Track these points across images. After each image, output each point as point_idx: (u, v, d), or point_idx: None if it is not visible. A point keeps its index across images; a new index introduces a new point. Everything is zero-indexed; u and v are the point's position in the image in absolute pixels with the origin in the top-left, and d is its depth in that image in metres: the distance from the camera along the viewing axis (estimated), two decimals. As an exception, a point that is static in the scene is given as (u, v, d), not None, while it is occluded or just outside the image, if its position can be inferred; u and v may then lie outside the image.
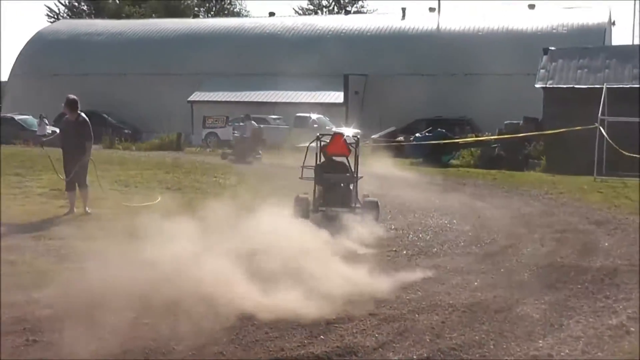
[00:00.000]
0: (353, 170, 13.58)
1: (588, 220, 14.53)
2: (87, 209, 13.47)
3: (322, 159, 13.74)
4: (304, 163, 13.77)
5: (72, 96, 14.01)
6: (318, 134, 14.30)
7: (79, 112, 13.89)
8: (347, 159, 13.60)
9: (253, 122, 33.44)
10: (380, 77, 44.81)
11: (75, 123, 13.79)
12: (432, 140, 29.81)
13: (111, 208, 13.80)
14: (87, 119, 13.92)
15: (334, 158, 13.61)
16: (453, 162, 29.54)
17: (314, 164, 13.68)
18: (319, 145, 13.80)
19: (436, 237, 12.38)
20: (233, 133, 36.17)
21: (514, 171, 25.99)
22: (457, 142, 29.96)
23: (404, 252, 11.04)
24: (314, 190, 13.45)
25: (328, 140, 13.78)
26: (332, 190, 13.36)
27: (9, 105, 51.73)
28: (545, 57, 30.04)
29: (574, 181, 22.12)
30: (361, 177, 13.92)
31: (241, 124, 33.99)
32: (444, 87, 42.85)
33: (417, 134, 32.68)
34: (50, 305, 7.58)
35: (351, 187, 13.48)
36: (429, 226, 13.60)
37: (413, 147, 31.24)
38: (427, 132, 32.14)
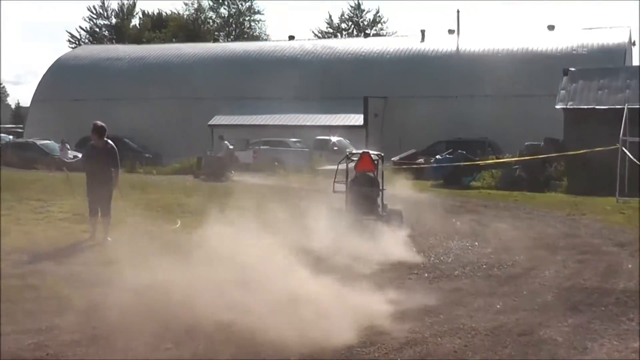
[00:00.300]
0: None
1: (611, 242, 14.41)
2: (108, 237, 13.32)
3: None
4: (335, 179, 15.85)
5: (100, 123, 13.92)
6: (348, 153, 16.60)
7: (105, 139, 13.85)
8: (373, 174, 15.57)
9: (227, 142, 34.88)
10: (400, 99, 44.79)
11: (102, 150, 13.71)
12: (453, 162, 29.72)
13: (131, 233, 13.78)
14: (114, 146, 13.93)
15: (363, 173, 15.49)
16: (474, 183, 29.41)
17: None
18: (347, 163, 15.97)
19: (457, 260, 12.32)
20: (207, 153, 36.96)
21: (535, 192, 25.83)
22: (478, 164, 29.85)
23: (425, 275, 10.99)
24: (346, 202, 15.23)
25: (356, 159, 15.79)
26: (362, 200, 15.05)
27: (31, 131, 52.17)
28: (565, 78, 29.94)
29: (596, 202, 21.96)
30: (385, 189, 15.70)
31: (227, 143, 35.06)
32: (464, 108, 42.75)
33: (438, 156, 32.55)
34: (72, 330, 7.60)
35: (377, 199, 15.36)
36: (450, 248, 13.55)
37: (433, 169, 31.14)
38: (448, 153, 32.02)
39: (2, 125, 69.97)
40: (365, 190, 15.29)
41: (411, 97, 44.75)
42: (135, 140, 45.82)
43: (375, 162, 15.79)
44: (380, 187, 15.60)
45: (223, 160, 33.08)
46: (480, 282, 10.48)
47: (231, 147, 34.78)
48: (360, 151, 16.32)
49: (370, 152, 16.10)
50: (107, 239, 13.22)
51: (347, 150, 23.47)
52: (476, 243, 14.19)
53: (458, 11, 51.97)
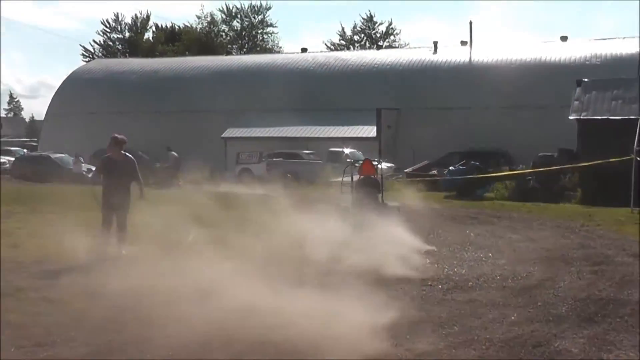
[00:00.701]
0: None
1: (626, 253, 14.33)
2: (123, 251, 13.27)
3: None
4: (342, 181, 19.73)
5: (120, 135, 13.97)
6: (352, 161, 20.51)
7: (124, 152, 13.87)
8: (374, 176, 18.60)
9: (173, 152, 37.70)
10: (413, 110, 44.84)
11: (122, 162, 13.72)
12: (466, 174, 29.68)
13: (145, 246, 13.76)
14: (133, 158, 13.96)
15: (366, 176, 18.38)
16: (487, 194, 29.33)
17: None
18: (352, 168, 19.67)
19: (471, 271, 12.29)
20: (156, 165, 38.29)
21: (549, 203, 25.74)
22: (491, 176, 29.77)
23: (439, 286, 10.97)
24: (352, 199, 17.91)
25: (360, 164, 19.16)
26: (366, 197, 17.57)
27: (45, 144, 52.45)
28: (578, 89, 29.87)
29: (610, 213, 21.85)
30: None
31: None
32: (477, 120, 42.73)
33: (451, 167, 32.55)
34: (87, 343, 7.63)
35: (378, 195, 18.20)
36: (464, 260, 13.52)
37: (447, 181, 31.11)
38: (461, 165, 31.98)
39: (16, 139, 70.42)
40: (368, 190, 17.92)
41: (424, 108, 44.81)
42: (149, 154, 45.91)
43: (375, 167, 19.07)
44: (381, 188, 18.48)
45: (170, 170, 35.94)
46: (495, 294, 10.44)
47: (177, 156, 37.45)
48: (363, 158, 20.17)
49: (381, 160, 18.39)
50: (122, 252, 13.18)
51: (348, 159, 25.49)
52: (490, 254, 14.15)
53: (470, 22, 52.39)
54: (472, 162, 31.37)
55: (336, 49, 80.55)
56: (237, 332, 7.73)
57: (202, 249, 11.62)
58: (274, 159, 39.64)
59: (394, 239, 14.15)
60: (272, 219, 15.25)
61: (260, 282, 9.37)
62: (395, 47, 77.83)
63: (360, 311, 8.44)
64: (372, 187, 18.21)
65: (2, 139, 72.57)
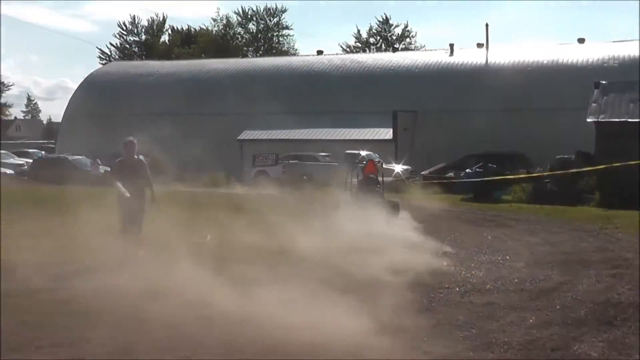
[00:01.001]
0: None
1: (645, 256, 14.22)
2: (139, 251, 13.29)
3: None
4: (349, 180, 21.65)
5: (130, 137, 14.03)
6: (356, 162, 22.79)
7: (136, 155, 13.90)
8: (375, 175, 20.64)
9: (98, 160, 38.94)
10: (430, 113, 44.66)
11: (133, 165, 13.76)
12: (483, 176, 29.57)
13: (162, 248, 13.78)
14: (144, 161, 13.99)
15: (369, 175, 20.35)
16: (504, 197, 29.21)
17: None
18: (356, 168, 21.63)
19: (489, 274, 12.23)
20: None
21: (567, 206, 25.61)
22: (508, 178, 29.63)
23: (457, 289, 10.92)
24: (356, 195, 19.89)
25: (364, 164, 21.18)
26: (368, 194, 19.51)
27: (63, 146, 52.68)
28: (596, 91, 29.72)
29: (628, 216, 21.68)
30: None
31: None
32: (493, 122, 42.47)
33: (468, 170, 32.44)
34: (104, 344, 7.64)
35: (378, 192, 20.14)
36: (482, 262, 13.46)
37: (463, 183, 31.01)
38: (478, 167, 31.87)
39: (34, 141, 70.79)
40: (371, 187, 19.98)
41: (440, 110, 44.66)
42: (165, 155, 45.96)
43: (377, 166, 21.20)
44: (382, 185, 20.77)
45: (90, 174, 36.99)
46: (513, 296, 10.38)
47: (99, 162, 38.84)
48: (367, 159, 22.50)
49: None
50: (138, 253, 13.20)
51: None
52: (508, 257, 14.08)
53: (487, 25, 51.99)
54: (489, 164, 31.26)
55: (352, 52, 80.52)
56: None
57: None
58: (290, 161, 39.58)
59: (410, 242, 14.22)
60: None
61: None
62: (412, 50, 77.75)
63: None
64: (374, 184, 20.26)
65: (20, 141, 73.04)
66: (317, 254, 12.60)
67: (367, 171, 20.55)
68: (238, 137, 47.25)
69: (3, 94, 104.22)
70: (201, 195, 27.91)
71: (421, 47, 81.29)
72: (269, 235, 14.52)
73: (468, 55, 49.07)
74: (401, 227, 17.44)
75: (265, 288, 9.48)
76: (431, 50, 57.37)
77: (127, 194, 13.40)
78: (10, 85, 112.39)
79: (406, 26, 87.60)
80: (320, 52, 59.49)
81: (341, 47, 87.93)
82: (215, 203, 23.57)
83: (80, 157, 42.18)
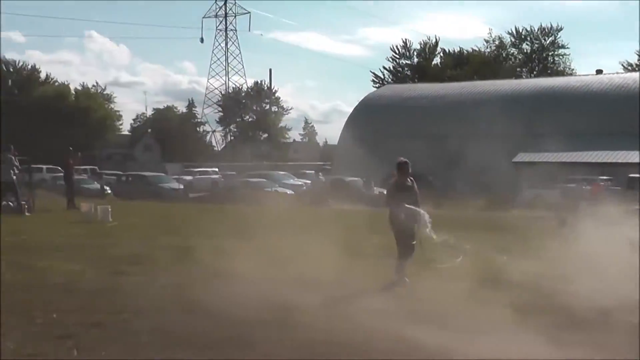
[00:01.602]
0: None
1: None
2: (405, 278, 12.74)
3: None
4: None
5: (403, 158, 13.66)
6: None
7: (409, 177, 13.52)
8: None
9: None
10: None
11: (407, 186, 13.39)
12: None
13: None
14: (414, 183, 13.56)
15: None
16: None
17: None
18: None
19: None
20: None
21: None
22: None
23: None
24: None
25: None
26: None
27: (339, 168, 54.21)
28: None
29: None
30: None
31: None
32: None
33: None
34: None
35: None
36: None
37: None
38: None
39: (311, 162, 73.72)
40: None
41: None
42: (437, 177, 45.91)
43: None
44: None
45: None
46: None
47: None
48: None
49: None
50: (404, 280, 12.70)
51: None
52: None
53: None
54: None
55: (634, 70, 76.34)
56: None
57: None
58: (569, 185, 37.84)
59: None
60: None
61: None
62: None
63: None
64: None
65: (298, 163, 76.38)
66: None
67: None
68: (513, 160, 46.20)
69: (283, 118, 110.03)
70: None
71: None
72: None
73: None
74: None
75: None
76: None
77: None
78: (290, 109, 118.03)
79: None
80: (599, 72, 57.07)
81: (622, 65, 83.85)
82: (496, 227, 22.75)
83: (356, 178, 43.05)
